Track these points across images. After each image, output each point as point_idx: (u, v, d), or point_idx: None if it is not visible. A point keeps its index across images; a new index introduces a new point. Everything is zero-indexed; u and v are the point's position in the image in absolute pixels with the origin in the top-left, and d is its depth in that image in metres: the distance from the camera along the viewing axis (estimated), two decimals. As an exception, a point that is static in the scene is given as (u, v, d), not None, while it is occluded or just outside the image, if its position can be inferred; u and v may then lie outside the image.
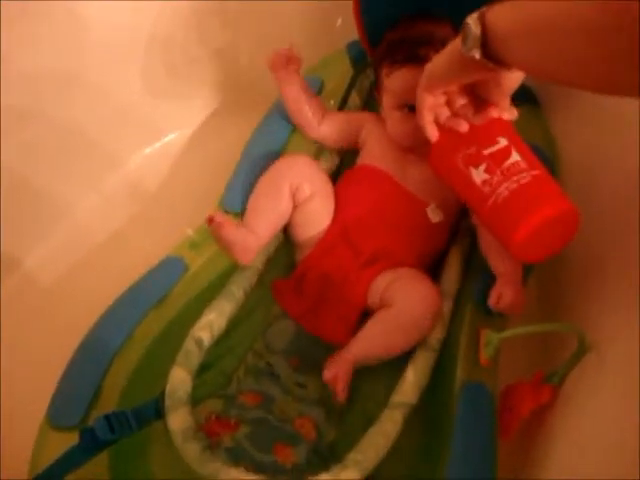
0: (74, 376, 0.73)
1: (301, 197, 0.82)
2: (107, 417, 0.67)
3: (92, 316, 0.77)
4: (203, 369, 0.77)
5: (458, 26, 0.83)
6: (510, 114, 0.69)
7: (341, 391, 0.71)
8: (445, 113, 0.68)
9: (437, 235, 0.84)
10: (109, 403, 0.71)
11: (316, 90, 0.94)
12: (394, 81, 0.83)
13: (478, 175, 0.67)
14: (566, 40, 0.43)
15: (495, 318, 0.75)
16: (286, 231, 0.87)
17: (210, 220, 0.78)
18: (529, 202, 0.65)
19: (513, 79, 0.64)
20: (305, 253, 0.85)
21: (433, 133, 0.69)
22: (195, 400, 0.73)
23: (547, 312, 0.80)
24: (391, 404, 0.70)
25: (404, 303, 0.75)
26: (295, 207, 0.83)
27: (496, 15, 0.53)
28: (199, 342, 0.76)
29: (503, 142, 0.68)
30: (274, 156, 0.89)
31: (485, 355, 0.71)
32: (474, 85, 0.66)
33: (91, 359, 0.74)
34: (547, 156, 0.87)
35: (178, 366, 0.73)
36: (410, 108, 0.81)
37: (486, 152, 0.67)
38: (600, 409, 0.62)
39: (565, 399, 0.69)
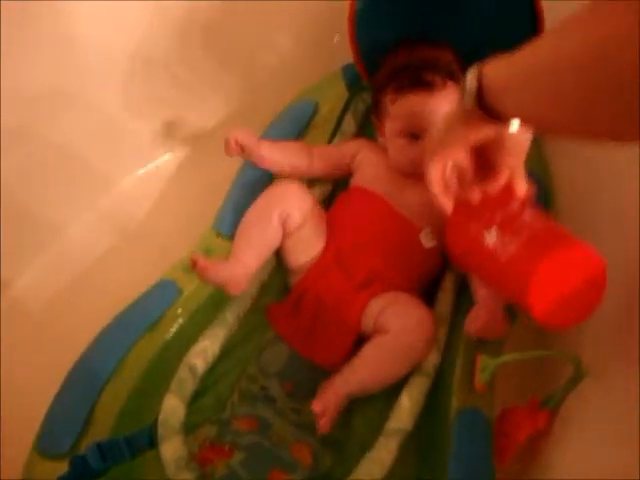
0: (64, 402, 0.72)
1: (292, 225, 0.81)
2: (99, 445, 0.66)
3: (84, 339, 0.76)
4: (197, 395, 0.76)
5: (456, 51, 0.86)
6: (519, 184, 0.67)
7: (324, 426, 0.71)
8: (455, 183, 0.66)
9: (431, 260, 0.84)
10: (101, 430, 0.70)
11: (310, 113, 0.94)
12: (400, 108, 0.83)
13: (491, 238, 0.66)
14: (558, 82, 0.43)
15: (491, 343, 0.74)
16: (279, 256, 0.86)
17: (193, 264, 0.78)
18: (540, 250, 0.62)
19: (519, 141, 0.64)
20: (299, 277, 0.84)
21: (446, 205, 0.66)
22: (189, 426, 0.73)
23: (543, 336, 0.80)
24: (386, 431, 0.69)
25: (398, 330, 0.74)
26: (286, 235, 0.82)
27: (492, 69, 0.54)
28: (193, 369, 0.75)
29: (514, 205, 0.67)
30: (267, 180, 0.89)
31: (481, 380, 0.70)
32: (482, 151, 0.64)
33: (82, 384, 0.73)
34: (541, 180, 0.87)
35: (171, 394, 0.72)
36: (413, 135, 0.82)
37: (499, 216, 0.66)
38: (598, 435, 0.62)
39: (561, 425, 0.69)
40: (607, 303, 0.69)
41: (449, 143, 0.63)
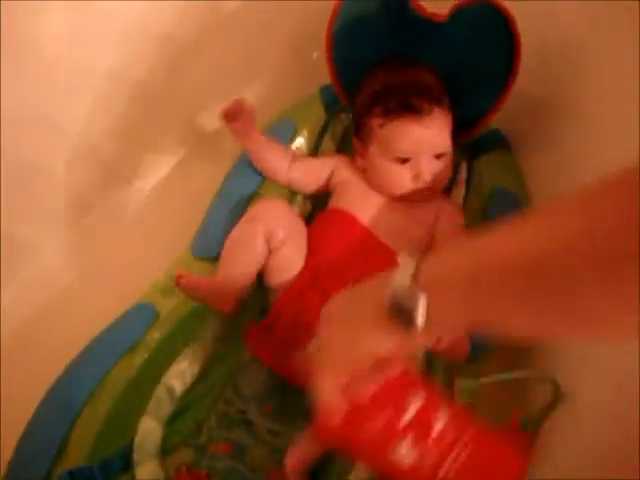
0: (39, 428, 0.71)
1: (275, 242, 0.81)
2: (71, 473, 0.65)
3: (60, 364, 0.75)
4: (175, 417, 0.75)
5: (435, 71, 0.86)
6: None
7: None
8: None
9: None
10: (77, 456, 0.69)
11: (289, 134, 0.94)
12: (388, 132, 0.83)
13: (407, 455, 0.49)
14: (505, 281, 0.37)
15: (469, 366, 0.74)
16: (259, 274, 0.85)
17: (178, 279, 0.78)
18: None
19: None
20: (276, 296, 0.83)
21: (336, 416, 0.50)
22: (166, 449, 0.72)
23: (522, 357, 0.80)
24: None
25: None
26: (270, 252, 0.82)
27: (438, 270, 0.43)
28: (171, 390, 0.75)
29: (416, 403, 0.50)
30: (247, 200, 0.89)
31: (459, 401, 0.70)
32: None
33: (58, 409, 0.72)
34: (518, 199, 0.88)
35: (148, 415, 0.72)
36: (401, 160, 0.82)
37: (402, 423, 0.50)
38: (577, 457, 0.62)
39: (541, 448, 0.68)
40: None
41: (351, 357, 0.49)
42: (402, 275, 0.43)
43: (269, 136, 0.91)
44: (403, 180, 0.83)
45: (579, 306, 0.34)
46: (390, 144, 0.83)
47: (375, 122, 0.84)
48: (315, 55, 0.96)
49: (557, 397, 0.66)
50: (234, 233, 0.82)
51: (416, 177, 0.83)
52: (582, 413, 0.64)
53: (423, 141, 0.82)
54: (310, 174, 0.91)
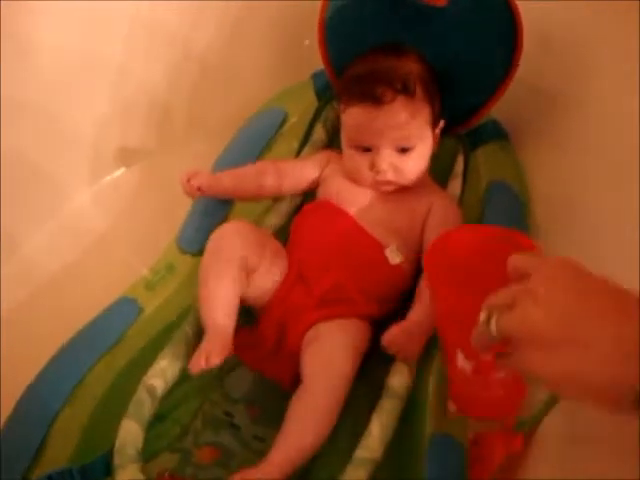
0: (16, 429, 0.68)
1: (251, 267, 0.78)
2: (50, 477, 0.62)
3: (39, 361, 0.72)
4: (157, 420, 0.72)
5: (428, 58, 0.83)
6: None
7: None
8: None
9: (397, 277, 0.80)
10: (57, 459, 0.66)
11: (279, 121, 0.91)
12: (348, 118, 0.81)
13: (463, 362, 0.60)
14: None
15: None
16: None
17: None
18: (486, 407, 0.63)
19: None
20: (263, 301, 0.80)
21: None
22: (149, 453, 0.69)
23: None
24: (355, 460, 0.65)
25: (310, 373, 0.72)
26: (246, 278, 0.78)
27: None
28: (152, 391, 0.71)
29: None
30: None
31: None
32: None
33: (36, 410, 0.69)
34: (516, 193, 0.86)
35: (129, 418, 0.68)
36: (363, 147, 0.79)
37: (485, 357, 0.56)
38: (572, 459, 0.60)
39: (536, 449, 0.67)
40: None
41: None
42: None
43: (253, 130, 0.89)
44: (361, 170, 0.80)
45: None
46: (349, 130, 0.81)
47: (341, 108, 0.82)
48: (307, 42, 0.93)
49: (554, 398, 0.64)
50: (206, 271, 0.77)
51: (372, 169, 0.80)
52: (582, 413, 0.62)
53: (379, 130, 0.78)
54: (299, 181, 0.88)
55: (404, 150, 0.79)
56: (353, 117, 0.79)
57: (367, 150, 0.80)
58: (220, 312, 0.75)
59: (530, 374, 0.42)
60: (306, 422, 0.69)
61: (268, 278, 0.79)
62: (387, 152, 0.79)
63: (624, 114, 0.72)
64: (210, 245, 0.78)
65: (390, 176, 0.80)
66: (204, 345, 0.72)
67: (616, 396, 0.37)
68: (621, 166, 0.72)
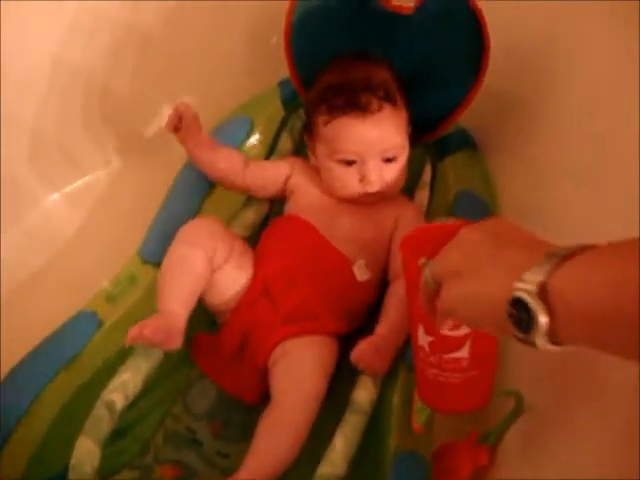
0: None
1: (219, 260, 0.76)
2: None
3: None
4: (117, 435, 0.70)
5: (395, 66, 0.83)
6: None
7: None
8: None
9: (364, 293, 0.80)
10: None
11: (245, 130, 0.90)
12: (332, 131, 0.78)
13: (423, 338, 0.61)
14: None
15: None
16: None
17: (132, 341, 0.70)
18: (447, 397, 0.62)
19: None
20: (226, 311, 0.79)
21: None
22: (108, 470, 0.68)
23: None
24: (318, 476, 0.64)
25: (280, 392, 0.71)
26: (212, 271, 0.77)
27: (570, 289, 0.36)
28: (111, 406, 0.68)
29: (464, 329, 0.59)
30: (197, 203, 0.85)
31: (418, 421, 0.67)
32: None
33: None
34: (484, 202, 0.85)
35: (85, 435, 0.66)
36: (346, 161, 0.78)
37: (442, 332, 0.58)
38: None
39: (502, 461, 0.66)
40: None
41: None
42: (533, 276, 0.37)
43: (218, 139, 0.86)
44: (348, 184, 0.79)
45: None
46: (333, 144, 0.78)
47: (320, 120, 0.80)
48: (274, 40, 0.91)
49: (519, 409, 0.63)
50: (170, 258, 0.76)
51: (362, 181, 0.78)
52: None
53: (368, 141, 0.77)
54: (265, 177, 0.86)
55: (389, 160, 0.78)
56: (338, 129, 0.77)
57: (351, 163, 0.78)
58: (176, 300, 0.73)
59: (446, 308, 0.46)
60: (277, 441, 0.68)
61: (234, 279, 0.78)
62: (375, 163, 0.78)
63: (592, 122, 0.72)
64: (179, 234, 0.77)
65: (378, 187, 0.79)
66: (147, 320, 0.70)
67: (499, 313, 0.39)
68: (590, 174, 0.72)
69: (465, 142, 0.92)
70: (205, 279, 0.76)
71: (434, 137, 0.90)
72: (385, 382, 0.72)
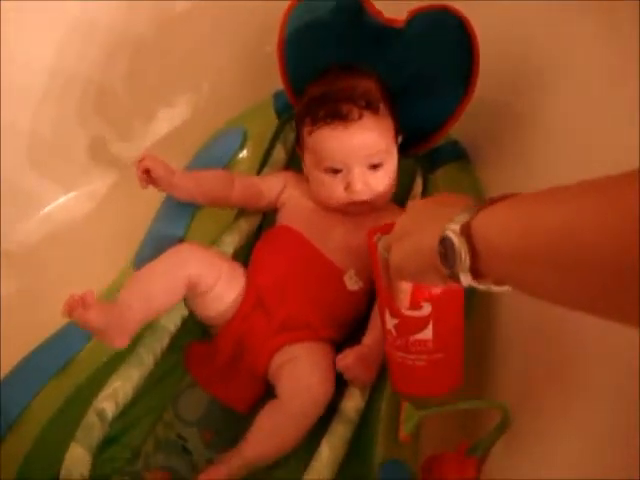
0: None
1: (204, 287, 0.76)
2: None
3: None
4: (108, 443, 0.72)
5: (386, 78, 0.83)
6: None
7: None
8: None
9: (355, 303, 0.80)
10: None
11: (239, 142, 0.90)
12: (316, 141, 0.79)
13: (390, 321, 0.63)
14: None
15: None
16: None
17: (70, 306, 0.65)
18: (415, 381, 0.66)
19: None
20: (221, 323, 0.80)
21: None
22: (99, 477, 0.68)
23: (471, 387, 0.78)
24: (303, 484, 0.65)
25: (289, 394, 0.72)
26: (199, 294, 0.77)
27: (489, 228, 0.40)
28: (102, 414, 0.70)
29: (426, 310, 0.61)
30: (191, 213, 0.84)
31: (405, 431, 0.68)
32: None
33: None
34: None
35: (76, 443, 0.67)
36: (332, 170, 0.79)
37: (405, 312, 0.61)
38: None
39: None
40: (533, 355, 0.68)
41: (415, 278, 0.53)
42: (460, 217, 0.42)
43: (212, 150, 0.86)
44: (335, 192, 0.79)
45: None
46: (318, 153, 0.79)
47: (306, 130, 0.81)
48: (268, 49, 0.92)
49: (506, 422, 0.64)
50: (154, 267, 0.75)
51: (347, 189, 0.79)
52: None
53: (351, 148, 0.77)
54: (253, 198, 0.86)
55: (375, 167, 0.79)
56: (321, 139, 0.78)
57: (337, 171, 0.79)
58: (142, 303, 0.71)
59: (395, 269, 0.52)
60: (278, 430, 0.71)
61: (224, 299, 0.78)
62: (360, 170, 0.78)
63: (584, 133, 0.72)
64: (165, 254, 0.76)
65: (365, 196, 0.79)
66: (98, 301, 0.66)
67: (435, 256, 0.44)
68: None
69: (456, 154, 0.92)
70: (172, 303, 0.75)
71: (425, 149, 0.91)
72: (373, 391, 0.73)
